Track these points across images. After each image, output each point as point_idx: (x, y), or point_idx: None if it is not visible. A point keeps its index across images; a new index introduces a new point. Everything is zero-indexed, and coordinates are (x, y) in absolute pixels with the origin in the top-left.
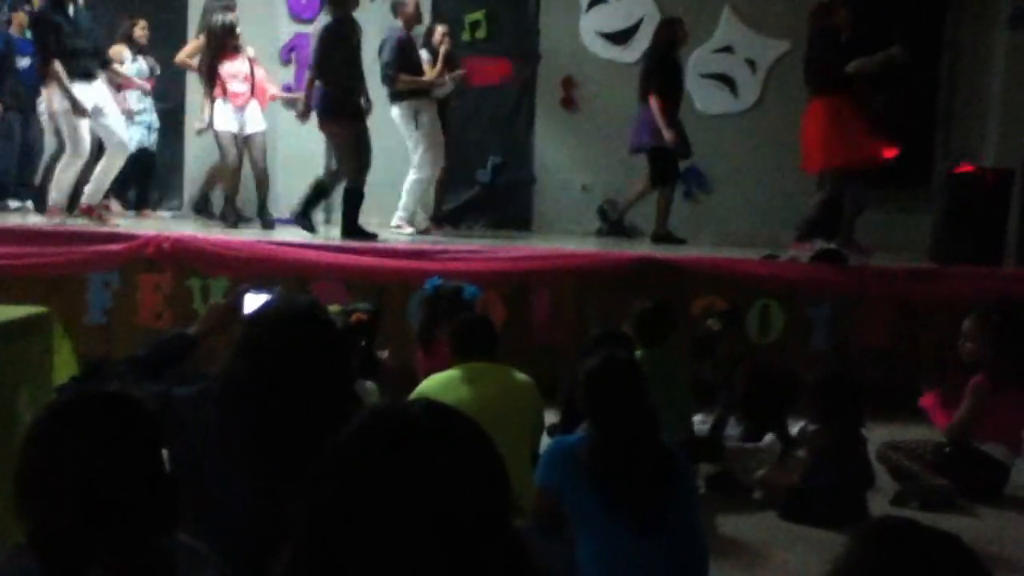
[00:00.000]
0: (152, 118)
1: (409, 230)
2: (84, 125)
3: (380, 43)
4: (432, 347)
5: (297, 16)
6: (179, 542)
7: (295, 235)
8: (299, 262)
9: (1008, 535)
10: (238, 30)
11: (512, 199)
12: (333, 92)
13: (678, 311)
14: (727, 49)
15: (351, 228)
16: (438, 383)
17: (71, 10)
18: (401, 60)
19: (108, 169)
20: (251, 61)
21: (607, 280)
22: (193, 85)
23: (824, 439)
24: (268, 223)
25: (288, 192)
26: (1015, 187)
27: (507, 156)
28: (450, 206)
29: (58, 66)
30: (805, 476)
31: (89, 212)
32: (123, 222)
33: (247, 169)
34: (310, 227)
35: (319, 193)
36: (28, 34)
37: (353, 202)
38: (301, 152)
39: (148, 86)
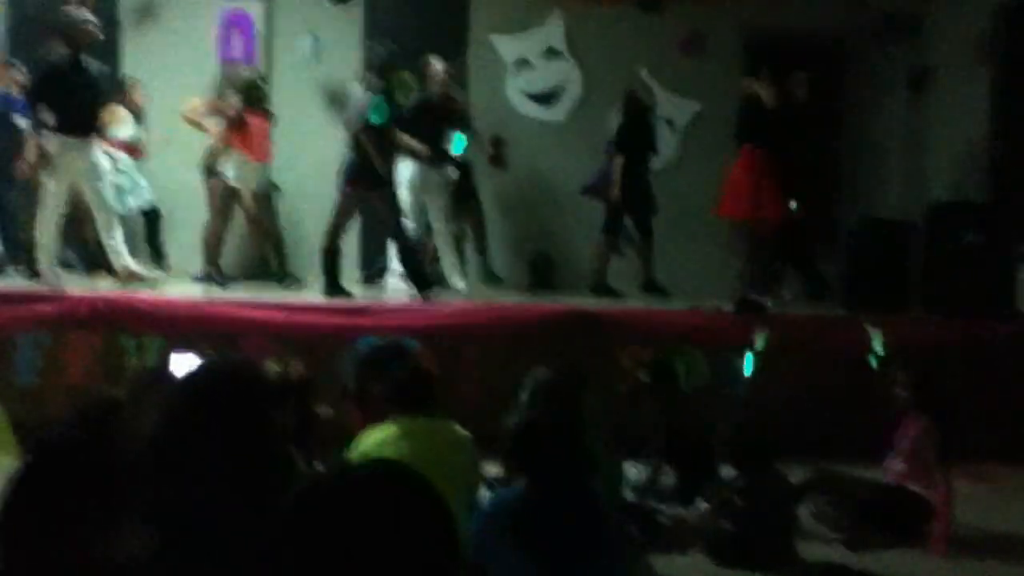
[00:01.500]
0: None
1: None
2: (100, 184)
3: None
4: (367, 404)
5: (226, 60)
6: None
7: (225, 293)
8: (231, 319)
9: (930, 573)
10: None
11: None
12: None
13: (605, 362)
14: (645, 108)
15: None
16: (376, 440)
17: (83, 63)
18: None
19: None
20: (262, 121)
21: (536, 332)
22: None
23: (739, 483)
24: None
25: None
26: (916, 238)
27: None
28: (383, 261)
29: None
30: (728, 519)
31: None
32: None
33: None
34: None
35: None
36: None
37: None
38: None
39: (140, 154)
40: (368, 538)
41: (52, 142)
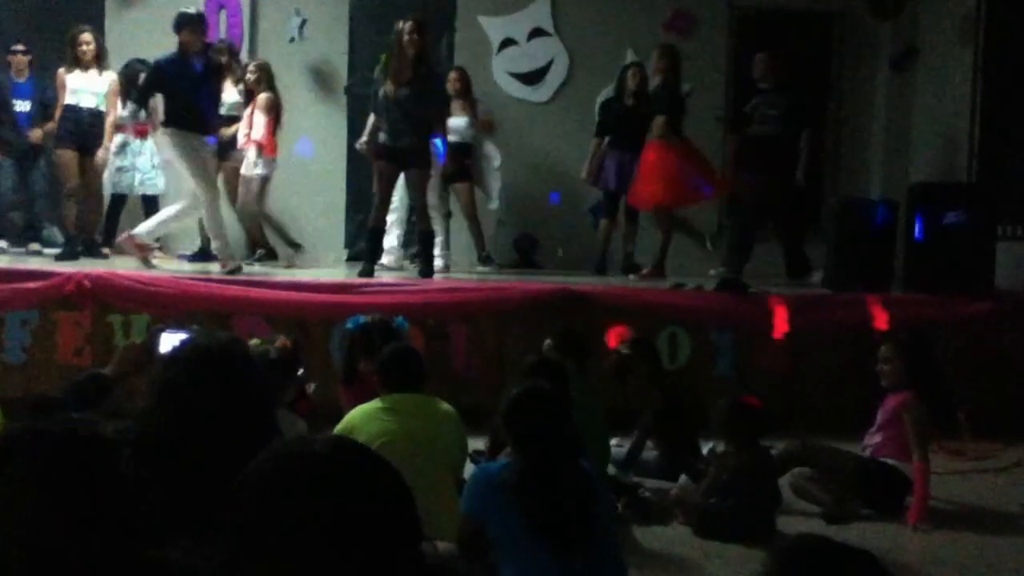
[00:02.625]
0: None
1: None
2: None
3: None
4: (355, 381)
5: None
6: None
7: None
8: (220, 297)
9: (909, 544)
10: (249, 76)
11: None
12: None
13: (591, 340)
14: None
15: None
16: (362, 415)
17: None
18: None
19: (176, 216)
20: (253, 105)
21: (523, 311)
22: None
23: (730, 459)
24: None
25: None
26: (900, 217)
27: None
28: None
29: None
30: (712, 495)
31: (141, 249)
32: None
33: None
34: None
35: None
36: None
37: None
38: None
39: (148, 129)
40: (317, 513)
41: (167, 136)
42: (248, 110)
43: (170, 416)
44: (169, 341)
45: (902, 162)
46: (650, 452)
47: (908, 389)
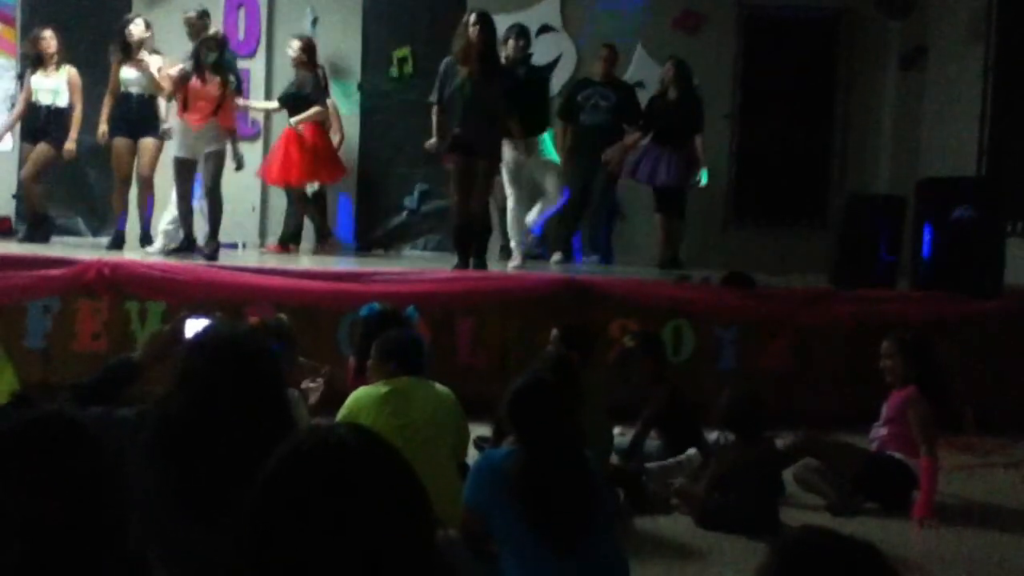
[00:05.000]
0: None
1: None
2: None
3: None
4: (366, 368)
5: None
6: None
7: (229, 260)
8: (234, 286)
9: (913, 539)
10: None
11: (437, 224)
12: None
13: (595, 333)
14: (639, 84)
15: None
16: (364, 399)
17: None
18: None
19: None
20: (223, 88)
21: (528, 301)
22: None
23: (731, 452)
24: (212, 253)
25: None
26: (907, 214)
27: (432, 183)
28: (379, 232)
29: None
30: (714, 487)
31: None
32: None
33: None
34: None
35: None
36: None
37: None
38: None
39: None
40: (336, 503)
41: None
42: (212, 89)
43: (188, 401)
44: (194, 327)
45: (910, 160)
46: (652, 442)
47: (909, 384)
